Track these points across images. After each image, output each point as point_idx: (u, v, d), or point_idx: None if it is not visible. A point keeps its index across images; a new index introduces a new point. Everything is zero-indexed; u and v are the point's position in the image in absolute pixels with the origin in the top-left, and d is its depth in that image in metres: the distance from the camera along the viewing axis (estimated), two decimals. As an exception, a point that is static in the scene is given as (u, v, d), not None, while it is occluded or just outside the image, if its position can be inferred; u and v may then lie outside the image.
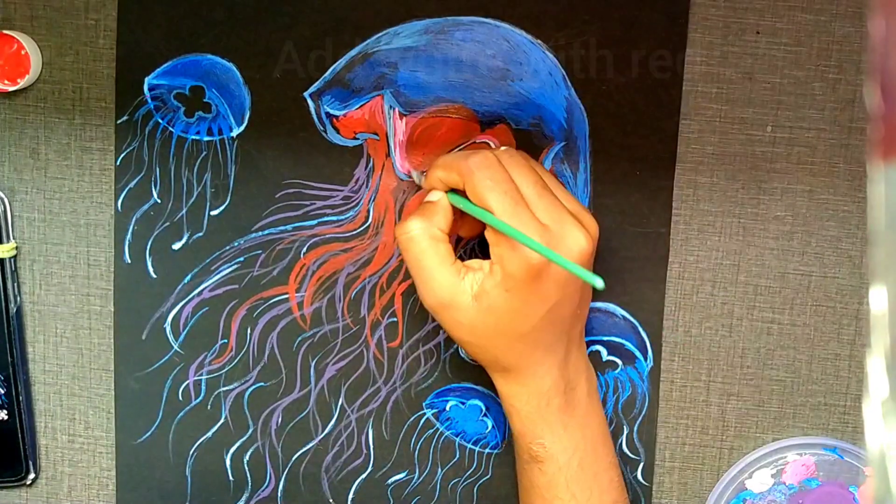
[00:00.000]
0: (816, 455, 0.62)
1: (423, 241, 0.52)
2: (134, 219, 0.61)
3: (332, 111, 0.60)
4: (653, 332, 0.61)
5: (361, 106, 0.60)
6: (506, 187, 0.51)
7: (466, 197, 0.53)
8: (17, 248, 0.62)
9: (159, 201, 0.61)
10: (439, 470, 0.63)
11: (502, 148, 0.55)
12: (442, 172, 0.53)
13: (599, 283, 0.46)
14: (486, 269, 0.52)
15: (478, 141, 0.60)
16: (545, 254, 0.49)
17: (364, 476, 0.63)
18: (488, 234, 0.52)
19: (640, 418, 0.62)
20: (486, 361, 0.55)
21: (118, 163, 0.61)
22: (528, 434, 0.55)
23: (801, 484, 0.62)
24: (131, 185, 0.61)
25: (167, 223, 0.61)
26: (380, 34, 0.59)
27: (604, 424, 0.57)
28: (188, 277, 0.61)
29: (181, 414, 0.63)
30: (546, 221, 0.51)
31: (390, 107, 0.60)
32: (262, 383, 0.62)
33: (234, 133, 0.60)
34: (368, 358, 0.62)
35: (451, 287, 0.52)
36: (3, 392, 0.62)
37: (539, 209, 0.52)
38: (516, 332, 0.52)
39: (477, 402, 0.62)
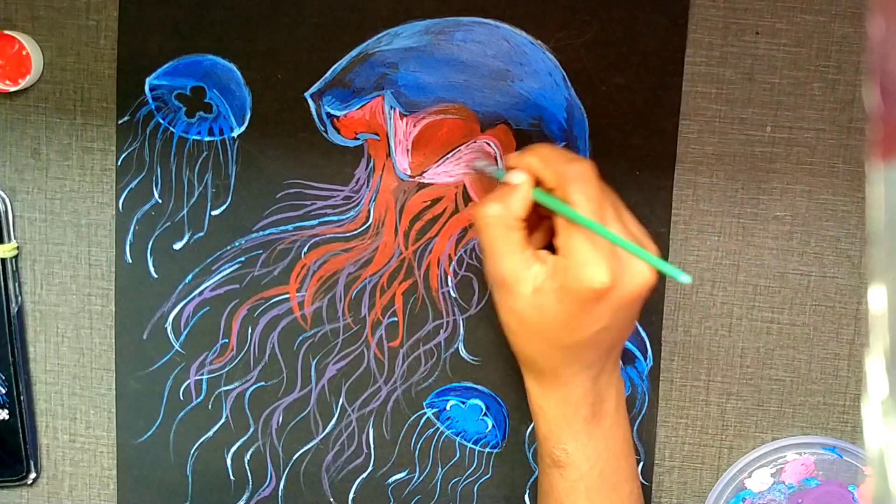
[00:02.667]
0: (815, 454, 0.62)
1: (498, 228, 0.52)
2: (135, 219, 0.61)
3: (332, 111, 0.60)
4: (652, 332, 0.61)
5: (362, 106, 0.60)
6: (599, 204, 0.51)
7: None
8: (18, 247, 0.62)
9: (160, 201, 0.61)
10: (439, 469, 0.63)
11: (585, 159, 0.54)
12: (537, 163, 0.52)
13: (685, 277, 0.47)
14: (551, 266, 0.51)
15: (478, 141, 0.60)
16: (635, 251, 0.50)
17: (364, 475, 0.63)
18: (557, 242, 0.51)
19: (639, 418, 0.62)
20: (522, 357, 0.55)
21: (119, 163, 0.61)
22: (552, 438, 0.54)
23: (800, 483, 0.62)
24: (132, 185, 0.61)
25: (168, 223, 0.61)
26: (380, 34, 0.59)
27: (628, 437, 0.57)
28: (189, 277, 0.62)
29: (182, 413, 0.63)
30: (633, 230, 0.52)
31: (391, 107, 0.60)
32: (262, 383, 0.62)
33: (235, 133, 0.60)
34: (369, 358, 0.62)
35: (515, 273, 0.51)
36: (4, 391, 0.62)
37: (629, 217, 0.52)
38: (559, 341, 0.52)
39: (477, 401, 0.62)
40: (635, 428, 0.62)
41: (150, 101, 0.60)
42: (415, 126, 0.60)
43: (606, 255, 0.50)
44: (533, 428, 0.62)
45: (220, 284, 0.62)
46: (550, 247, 0.54)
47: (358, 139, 0.60)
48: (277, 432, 0.63)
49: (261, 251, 0.61)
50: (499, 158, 0.60)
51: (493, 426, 0.62)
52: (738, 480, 0.62)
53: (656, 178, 0.60)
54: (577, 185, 0.51)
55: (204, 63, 0.60)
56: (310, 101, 0.60)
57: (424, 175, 0.60)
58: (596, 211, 0.51)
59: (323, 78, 0.60)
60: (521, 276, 0.51)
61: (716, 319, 0.62)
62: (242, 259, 0.61)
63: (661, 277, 0.61)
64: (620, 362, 0.57)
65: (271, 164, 0.60)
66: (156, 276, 0.62)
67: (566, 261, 0.50)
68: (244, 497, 0.63)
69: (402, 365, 0.62)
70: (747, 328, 0.62)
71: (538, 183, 0.53)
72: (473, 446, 0.63)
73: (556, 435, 0.54)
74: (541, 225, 0.55)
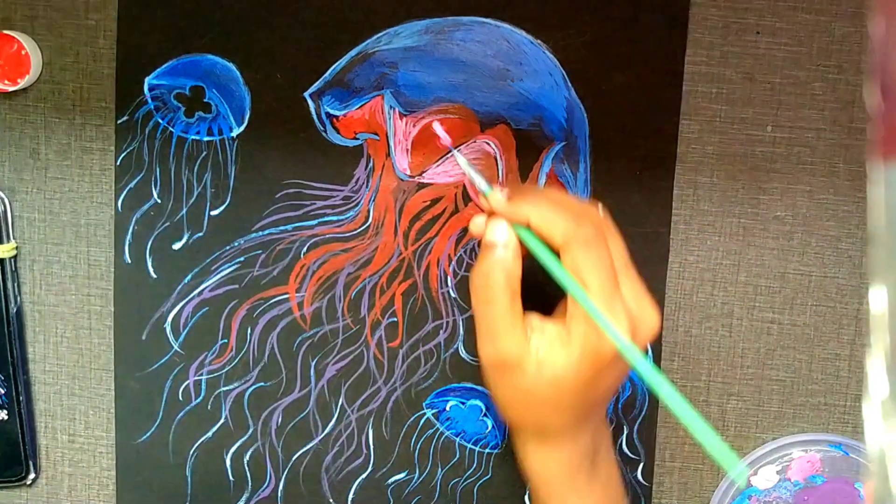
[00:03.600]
0: (822, 451, 0.62)
1: (505, 300, 0.47)
2: (134, 219, 0.61)
3: (332, 111, 0.60)
4: (653, 332, 0.61)
5: (361, 106, 0.60)
6: (607, 272, 0.47)
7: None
8: (17, 248, 0.62)
9: (159, 201, 0.61)
10: (439, 470, 0.63)
11: (599, 209, 0.50)
12: (538, 220, 0.47)
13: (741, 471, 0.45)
14: (553, 335, 0.48)
15: (478, 141, 0.60)
16: (635, 364, 0.46)
17: (364, 476, 0.63)
18: (572, 310, 0.48)
19: (640, 418, 0.62)
20: (524, 427, 0.51)
21: (118, 163, 0.61)
22: (555, 498, 0.52)
23: (806, 480, 0.62)
24: (131, 185, 0.61)
25: (167, 223, 0.61)
26: (380, 34, 0.59)
27: (619, 478, 0.56)
28: (188, 277, 0.61)
29: (181, 414, 0.63)
30: (628, 299, 0.48)
31: (390, 107, 0.60)
32: (262, 383, 0.62)
33: (235, 133, 0.60)
34: (368, 358, 0.62)
35: (518, 348, 0.48)
36: (3, 392, 0.62)
37: (625, 285, 0.48)
38: (572, 406, 0.49)
39: (477, 402, 0.62)
40: (635, 429, 0.62)
41: (150, 100, 0.60)
42: (414, 126, 0.60)
43: (625, 311, 0.47)
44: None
45: (219, 284, 0.61)
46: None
47: (357, 139, 0.60)
48: (277, 433, 0.63)
49: (260, 251, 0.61)
50: (499, 159, 0.60)
51: (493, 427, 0.62)
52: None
53: (656, 178, 0.60)
54: (588, 254, 0.47)
55: (203, 63, 0.60)
56: (309, 101, 0.60)
57: (424, 175, 0.60)
58: (608, 282, 0.47)
59: (322, 78, 0.60)
60: (525, 352, 0.48)
61: (716, 320, 0.61)
62: (242, 259, 0.61)
63: (662, 278, 0.61)
64: None
65: (271, 164, 0.60)
66: (155, 276, 0.62)
67: (584, 328, 0.47)
68: (243, 497, 0.63)
69: (402, 365, 0.62)
70: (748, 328, 0.61)
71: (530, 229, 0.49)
72: (473, 447, 0.63)
73: (561, 494, 0.52)
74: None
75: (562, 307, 0.51)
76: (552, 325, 0.49)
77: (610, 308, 0.47)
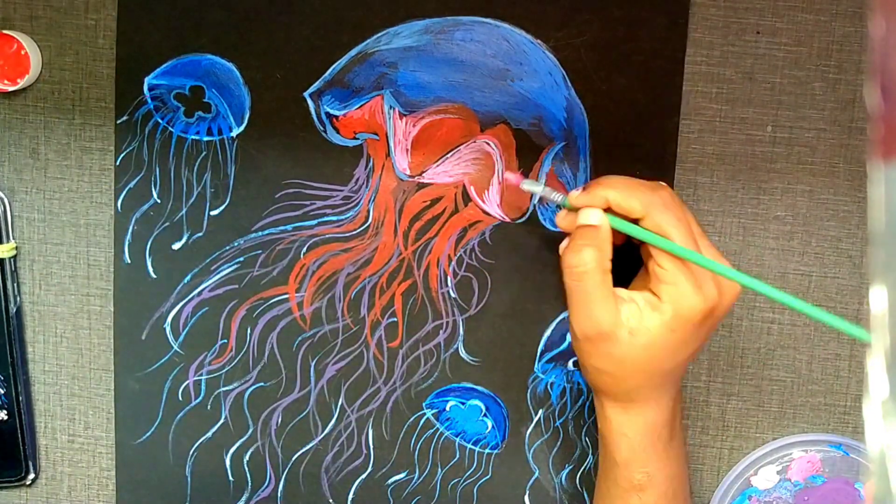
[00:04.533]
0: (822, 452, 0.62)
1: (597, 275, 0.51)
2: (134, 219, 0.61)
3: (332, 111, 0.60)
4: (653, 332, 0.61)
5: (361, 106, 0.60)
6: (687, 229, 0.51)
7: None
8: (16, 248, 0.62)
9: (159, 201, 0.61)
10: (439, 470, 0.63)
11: (664, 184, 0.54)
12: (616, 196, 0.51)
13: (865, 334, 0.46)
14: (641, 303, 0.51)
15: (477, 141, 0.60)
16: (753, 285, 0.49)
17: (364, 476, 0.63)
18: (661, 273, 0.51)
19: (640, 418, 0.62)
20: (613, 393, 0.53)
21: (118, 163, 0.61)
22: (634, 462, 0.54)
23: (806, 480, 0.62)
24: (131, 185, 0.61)
25: (167, 223, 0.61)
26: (380, 34, 0.59)
27: (687, 456, 0.58)
28: (188, 277, 0.61)
29: (181, 414, 0.63)
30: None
31: (390, 107, 0.60)
32: (261, 383, 0.62)
33: (234, 133, 0.60)
34: (368, 358, 0.62)
35: (611, 319, 0.51)
36: (2, 392, 0.62)
37: (703, 248, 0.52)
38: (662, 368, 0.52)
39: (477, 402, 0.62)
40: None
41: (149, 100, 0.60)
42: (414, 126, 0.60)
43: (706, 273, 0.50)
44: (529, 428, 0.62)
45: (219, 285, 0.61)
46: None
47: (357, 139, 0.60)
48: (277, 433, 0.63)
49: (260, 251, 0.61)
50: (498, 159, 0.60)
51: (493, 427, 0.62)
52: (744, 478, 0.62)
53: (656, 178, 0.60)
54: (668, 215, 0.50)
55: (203, 63, 0.60)
56: (309, 101, 0.60)
57: (424, 175, 0.60)
58: (690, 238, 0.50)
59: (322, 77, 0.60)
60: (617, 322, 0.51)
61: (716, 320, 0.61)
62: (241, 259, 0.61)
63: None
64: None
65: (270, 163, 0.60)
66: (154, 276, 0.61)
67: (677, 289, 0.50)
68: (243, 498, 0.63)
69: (402, 365, 0.62)
70: (748, 328, 0.61)
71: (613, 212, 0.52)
72: (473, 447, 0.63)
73: (641, 459, 0.54)
74: None
75: (638, 282, 0.54)
76: (639, 294, 0.52)
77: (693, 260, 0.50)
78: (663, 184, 0.53)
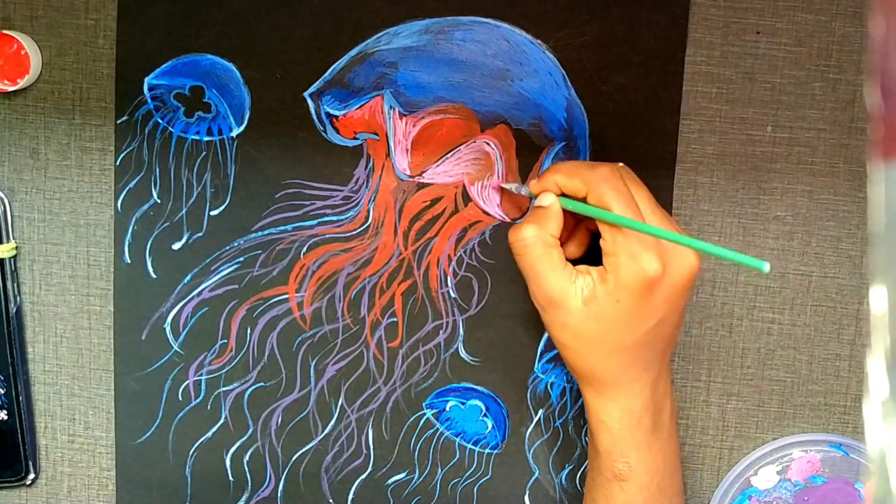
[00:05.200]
0: (822, 452, 0.62)
1: (538, 248, 0.53)
2: (134, 219, 0.61)
3: (332, 111, 0.60)
4: (653, 333, 0.61)
5: (361, 106, 0.60)
6: (629, 200, 0.52)
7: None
8: (16, 248, 0.62)
9: (159, 201, 0.61)
10: (439, 470, 0.63)
11: (619, 164, 0.55)
12: (562, 178, 0.54)
13: (766, 266, 0.47)
14: (595, 275, 0.52)
15: (477, 141, 0.60)
16: (679, 239, 0.50)
17: (364, 476, 0.63)
18: (604, 244, 0.52)
19: (640, 418, 0.62)
20: (582, 372, 0.54)
21: (118, 163, 0.61)
22: (615, 451, 0.55)
23: (806, 481, 0.62)
24: (131, 185, 0.61)
25: (167, 223, 0.61)
26: (380, 34, 0.59)
27: (679, 450, 0.58)
28: (188, 277, 0.61)
29: (181, 414, 0.63)
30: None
31: (390, 107, 0.60)
32: (261, 383, 0.62)
33: (234, 133, 0.60)
34: (368, 358, 0.62)
35: (562, 289, 0.53)
36: (3, 392, 0.62)
37: (654, 222, 0.53)
38: (619, 343, 0.53)
39: (477, 402, 0.62)
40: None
41: (149, 100, 0.60)
42: (414, 126, 0.60)
43: (653, 243, 0.51)
44: (529, 428, 0.62)
45: (219, 285, 0.61)
46: (587, 259, 0.55)
47: (357, 139, 0.60)
48: (277, 433, 0.63)
49: (260, 251, 0.61)
50: (498, 159, 0.60)
51: (493, 427, 0.62)
52: (744, 478, 0.62)
53: (656, 178, 0.60)
54: (607, 187, 0.52)
55: (203, 63, 0.60)
56: (309, 101, 0.60)
57: (424, 175, 0.60)
58: (630, 207, 0.51)
59: (322, 77, 0.60)
60: (568, 291, 0.52)
61: (716, 320, 0.61)
62: (241, 259, 0.61)
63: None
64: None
65: (270, 164, 0.60)
66: (154, 276, 0.61)
67: (616, 258, 0.51)
68: (243, 498, 0.63)
69: (402, 365, 0.62)
70: (748, 329, 0.61)
71: (568, 196, 0.54)
72: (473, 447, 0.63)
73: (620, 448, 0.54)
74: (573, 239, 0.57)
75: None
76: (595, 268, 0.53)
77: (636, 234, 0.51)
78: (612, 163, 0.54)
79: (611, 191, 0.52)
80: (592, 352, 0.53)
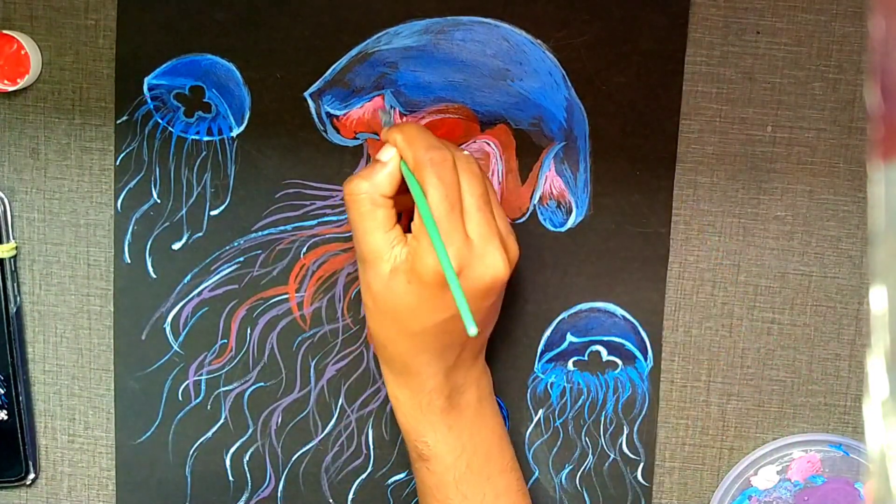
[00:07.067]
0: (822, 452, 0.62)
1: (365, 205, 0.52)
2: (134, 219, 0.61)
3: (332, 111, 0.60)
4: (653, 332, 0.61)
5: (362, 106, 0.60)
6: (449, 191, 0.51)
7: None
8: (16, 248, 0.62)
9: (159, 201, 0.61)
10: (439, 470, 0.63)
11: (464, 152, 0.54)
12: (402, 142, 0.53)
13: (473, 329, 0.46)
14: (409, 248, 0.52)
15: (477, 141, 0.60)
16: (448, 278, 0.49)
17: (364, 476, 0.63)
18: (414, 225, 0.52)
19: (640, 418, 0.62)
20: (377, 342, 0.55)
21: (118, 163, 0.61)
22: (412, 431, 0.55)
23: (806, 481, 0.62)
24: (131, 185, 0.61)
25: (167, 223, 0.61)
26: (380, 34, 0.59)
27: (498, 429, 0.57)
28: (188, 277, 0.61)
29: (181, 414, 0.63)
30: (473, 236, 0.51)
31: (391, 106, 0.60)
32: (261, 383, 0.62)
33: (234, 133, 0.60)
34: (368, 358, 0.62)
35: (378, 251, 0.52)
36: (2, 392, 0.62)
37: (472, 222, 0.52)
38: (407, 327, 0.52)
39: (477, 402, 0.62)
40: (635, 429, 0.62)
41: (149, 100, 0.60)
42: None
43: (461, 241, 0.50)
44: (529, 428, 0.62)
45: (218, 285, 0.61)
46: None
47: (357, 139, 0.60)
48: (277, 433, 0.63)
49: (260, 251, 0.61)
50: (499, 159, 0.60)
51: (493, 427, 0.62)
52: (744, 478, 0.62)
53: (656, 178, 0.60)
54: (432, 169, 0.51)
55: (203, 63, 0.60)
56: (309, 101, 0.60)
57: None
58: (447, 200, 0.51)
59: (322, 77, 0.60)
60: (382, 255, 0.52)
61: (716, 320, 0.61)
62: (241, 259, 0.61)
63: (662, 278, 0.61)
64: (484, 356, 0.57)
65: (270, 163, 0.60)
66: (154, 276, 0.61)
67: (416, 243, 0.51)
68: (243, 498, 0.63)
69: (402, 365, 0.62)
70: (748, 328, 0.61)
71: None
72: (473, 447, 0.63)
73: (415, 427, 0.55)
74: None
75: None
76: (416, 241, 0.52)
77: (446, 225, 0.50)
78: (456, 149, 0.54)
79: (433, 177, 0.51)
80: (386, 325, 0.53)
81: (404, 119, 0.60)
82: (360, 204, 0.52)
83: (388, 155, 0.53)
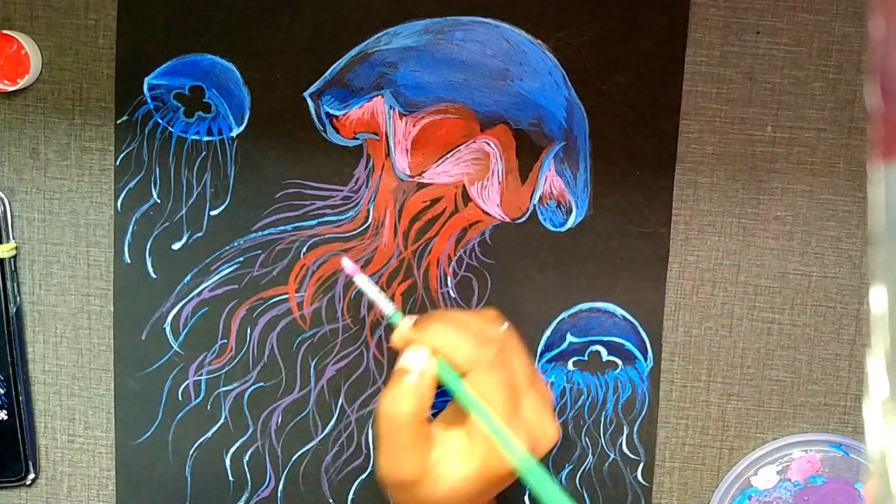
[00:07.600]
0: (822, 452, 0.62)
1: (412, 427, 0.49)
2: (133, 219, 0.61)
3: (331, 111, 0.60)
4: (653, 332, 0.61)
5: (361, 106, 0.60)
6: (508, 393, 0.49)
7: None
8: (16, 248, 0.62)
9: (159, 201, 0.61)
10: (439, 470, 0.63)
11: (504, 325, 0.52)
12: (443, 345, 0.50)
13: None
14: (454, 448, 0.50)
15: (477, 141, 0.60)
16: (529, 477, 0.49)
17: (364, 476, 0.63)
18: (477, 428, 0.50)
19: (640, 418, 0.62)
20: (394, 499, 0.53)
21: (118, 163, 0.61)
22: None
23: (806, 481, 0.62)
24: (131, 185, 0.61)
25: (167, 223, 0.61)
26: (379, 34, 0.59)
27: None
28: (188, 277, 0.61)
29: (181, 414, 0.63)
30: (530, 415, 0.51)
31: (390, 107, 0.60)
32: (261, 383, 0.62)
33: (234, 133, 0.60)
34: (368, 358, 0.62)
35: (418, 471, 0.50)
36: (2, 392, 0.62)
37: (528, 399, 0.51)
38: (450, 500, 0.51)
39: (477, 402, 0.62)
40: (635, 429, 0.62)
41: (149, 100, 0.60)
42: (414, 126, 0.60)
43: (526, 430, 0.50)
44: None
45: (218, 285, 0.61)
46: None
47: (357, 139, 0.60)
48: (276, 433, 0.63)
49: (260, 251, 0.61)
50: (498, 159, 0.60)
51: (493, 427, 0.62)
52: (744, 478, 0.62)
53: (656, 178, 0.60)
54: (489, 377, 0.49)
55: (203, 63, 0.60)
56: (309, 101, 0.60)
57: (424, 175, 0.60)
58: (505, 402, 0.49)
59: (322, 77, 0.60)
60: (423, 472, 0.50)
61: (716, 320, 0.61)
62: (241, 259, 0.61)
63: (662, 278, 0.61)
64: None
65: (270, 164, 0.60)
66: (154, 276, 0.61)
67: (486, 448, 0.49)
68: (243, 498, 0.63)
69: (402, 365, 0.62)
70: (748, 328, 0.61)
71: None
72: (473, 447, 0.63)
73: None
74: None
75: (459, 408, 0.52)
76: (455, 437, 0.51)
77: (510, 425, 0.49)
78: (497, 329, 0.52)
79: (494, 382, 0.49)
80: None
81: (404, 119, 0.60)
82: (406, 428, 0.49)
83: (421, 362, 0.50)
